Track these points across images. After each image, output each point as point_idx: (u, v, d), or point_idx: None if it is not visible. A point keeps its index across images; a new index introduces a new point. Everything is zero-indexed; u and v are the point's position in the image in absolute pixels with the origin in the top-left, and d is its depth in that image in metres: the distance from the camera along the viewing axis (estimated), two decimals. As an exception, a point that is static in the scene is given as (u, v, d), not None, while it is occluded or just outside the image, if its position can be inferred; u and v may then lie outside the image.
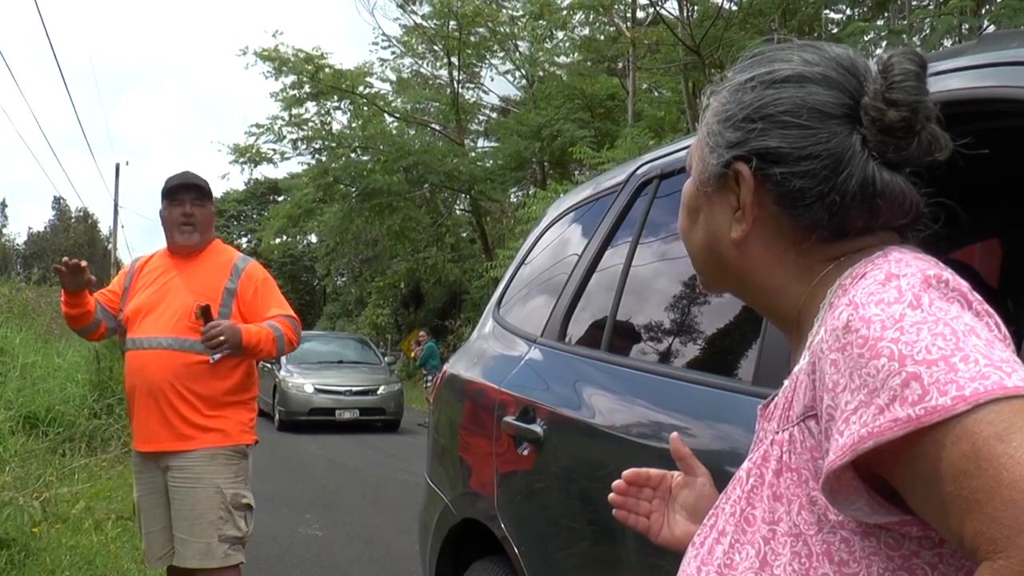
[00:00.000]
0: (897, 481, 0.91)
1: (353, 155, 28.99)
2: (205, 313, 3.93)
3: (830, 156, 1.07)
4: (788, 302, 1.13)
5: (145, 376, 4.07)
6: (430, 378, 19.94)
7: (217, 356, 4.04)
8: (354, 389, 18.38)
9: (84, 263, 4.11)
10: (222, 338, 3.90)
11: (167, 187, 4.26)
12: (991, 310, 0.95)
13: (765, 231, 1.13)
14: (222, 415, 4.11)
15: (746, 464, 1.14)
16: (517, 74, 29.97)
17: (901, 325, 0.90)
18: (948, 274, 0.96)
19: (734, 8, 18.06)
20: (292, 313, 4.28)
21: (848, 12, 17.63)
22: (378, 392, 18.62)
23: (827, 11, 18.12)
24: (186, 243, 4.23)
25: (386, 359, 22.36)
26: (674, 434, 1.45)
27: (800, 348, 1.09)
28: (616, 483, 1.45)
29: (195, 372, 4.06)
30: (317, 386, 17.98)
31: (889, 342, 0.90)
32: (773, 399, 1.15)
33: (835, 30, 17.83)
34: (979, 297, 0.96)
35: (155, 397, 4.05)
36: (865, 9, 15.36)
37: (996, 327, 0.94)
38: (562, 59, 27.36)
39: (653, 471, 1.46)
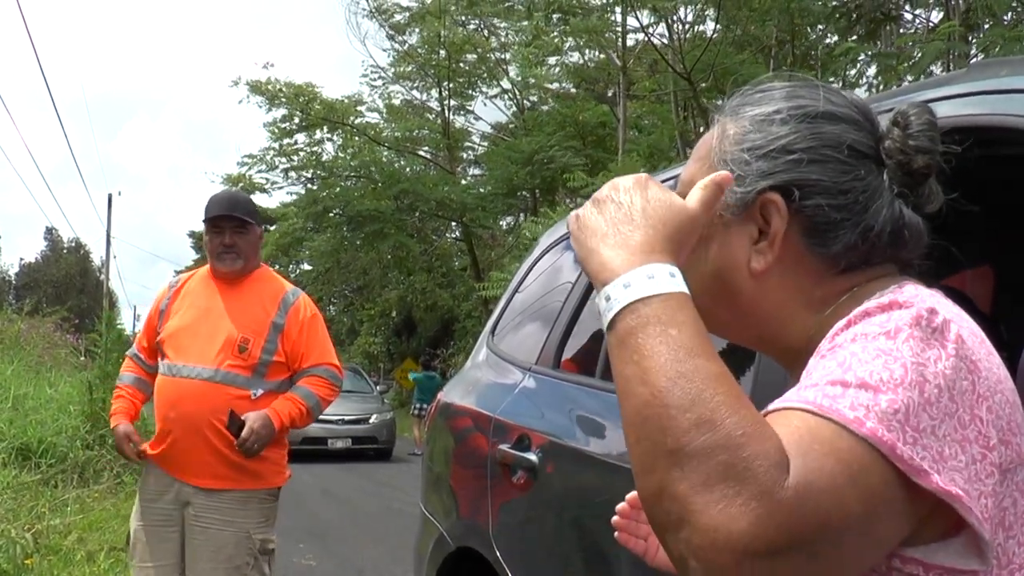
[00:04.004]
0: None
1: (344, 184, 29.04)
2: (234, 424, 3.69)
3: (865, 191, 1.11)
4: (796, 333, 1.14)
5: (182, 409, 3.80)
6: (417, 407, 19.96)
7: (260, 392, 3.85)
8: (346, 418, 18.29)
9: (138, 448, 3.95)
10: (256, 447, 3.73)
11: (207, 213, 3.96)
12: (970, 354, 0.96)
13: (786, 263, 1.13)
14: (259, 454, 3.83)
15: None
16: (508, 100, 30.10)
17: (867, 345, 0.94)
18: (943, 313, 0.98)
19: (722, 32, 18.12)
20: (334, 360, 4.06)
21: (835, 39, 17.72)
22: (370, 421, 18.63)
23: (824, 40, 18.21)
24: (228, 269, 3.96)
25: (378, 388, 22.31)
26: None
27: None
28: (620, 506, 1.45)
29: (236, 408, 3.78)
30: (309, 415, 17.82)
31: (849, 353, 0.94)
32: None
33: (823, 54, 17.92)
34: (967, 333, 0.98)
35: (193, 431, 3.78)
36: (855, 38, 15.45)
37: (968, 372, 0.94)
38: (553, 86, 27.42)
39: None
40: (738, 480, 0.83)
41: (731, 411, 0.86)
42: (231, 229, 3.93)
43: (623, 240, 1.02)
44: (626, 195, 1.07)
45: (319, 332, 4.07)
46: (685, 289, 0.98)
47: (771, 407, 0.95)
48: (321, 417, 15.49)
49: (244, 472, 3.83)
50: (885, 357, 0.92)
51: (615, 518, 1.47)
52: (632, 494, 1.46)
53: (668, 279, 0.97)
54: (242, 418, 3.71)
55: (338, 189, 28.91)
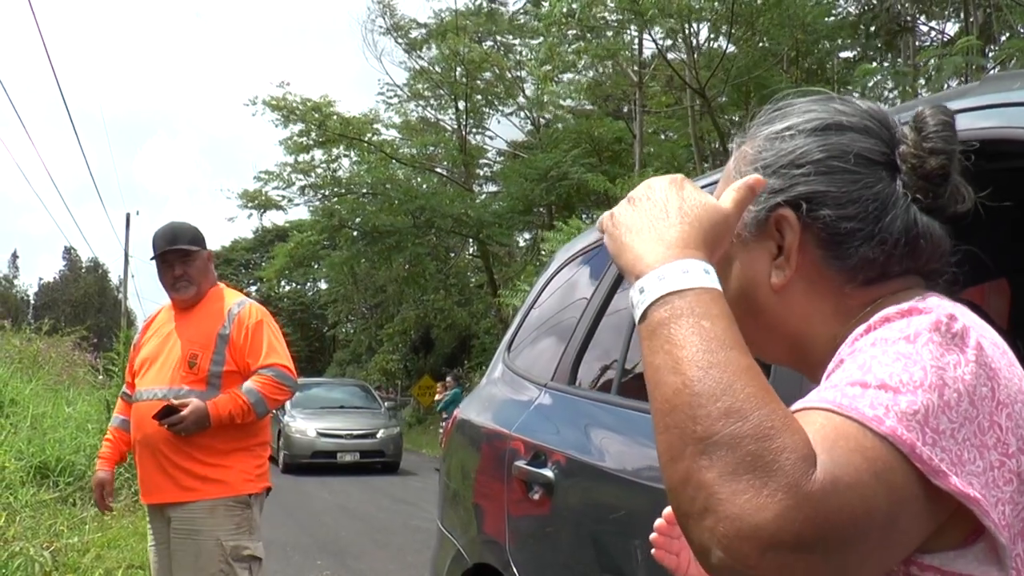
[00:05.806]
0: None
1: (361, 200, 29.09)
2: (164, 413, 3.89)
3: (876, 199, 1.11)
4: (822, 346, 1.13)
5: (142, 429, 4.03)
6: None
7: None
8: (354, 433, 19.17)
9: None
10: (183, 430, 3.89)
11: (153, 250, 4.22)
12: (990, 361, 0.95)
13: (807, 276, 1.14)
14: (223, 464, 4.02)
15: None
16: (524, 117, 30.16)
17: (887, 349, 0.94)
18: (963, 320, 0.98)
19: (736, 48, 18.13)
20: (282, 361, 4.16)
21: (851, 54, 17.71)
22: (377, 436, 19.34)
23: (836, 54, 18.20)
24: (183, 297, 4.20)
25: (386, 404, 22.60)
26: None
27: None
28: (658, 522, 1.45)
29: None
30: (319, 430, 18.77)
31: (869, 356, 0.94)
32: None
33: (840, 68, 17.91)
34: (987, 343, 0.97)
35: (152, 450, 4.02)
36: (871, 53, 15.45)
37: (988, 378, 0.94)
38: (568, 102, 27.47)
39: None
40: (765, 471, 0.83)
41: (761, 403, 0.87)
42: (178, 260, 4.17)
43: (658, 235, 1.03)
44: (661, 193, 1.08)
45: (264, 336, 4.18)
46: (718, 286, 0.99)
47: (792, 408, 0.94)
48: (331, 432, 15.87)
49: (209, 481, 4.02)
50: (905, 360, 0.92)
51: (653, 535, 1.46)
52: (669, 509, 1.46)
53: (703, 275, 0.98)
54: (180, 409, 3.91)
55: (353, 204, 28.94)
